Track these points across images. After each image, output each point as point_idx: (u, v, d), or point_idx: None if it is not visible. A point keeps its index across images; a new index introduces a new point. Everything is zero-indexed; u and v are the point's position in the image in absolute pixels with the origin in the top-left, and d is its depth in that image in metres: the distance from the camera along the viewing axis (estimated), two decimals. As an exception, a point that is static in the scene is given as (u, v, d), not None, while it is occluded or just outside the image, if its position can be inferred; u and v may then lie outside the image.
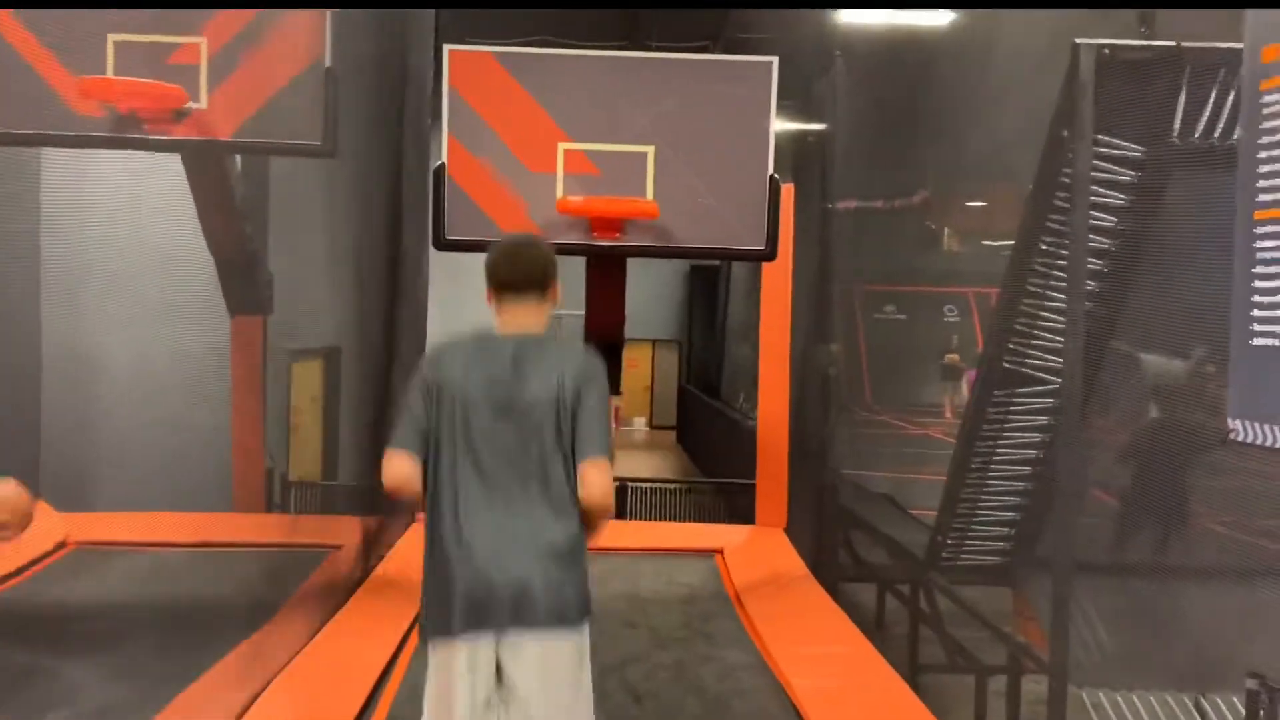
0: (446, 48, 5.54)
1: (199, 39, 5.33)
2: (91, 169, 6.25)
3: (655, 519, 9.99)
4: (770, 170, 5.49)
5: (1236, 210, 2.31)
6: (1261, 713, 3.31)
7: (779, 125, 5.68)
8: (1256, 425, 2.27)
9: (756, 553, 6.57)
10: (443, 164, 5.50)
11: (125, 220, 6.60)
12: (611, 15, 12.57)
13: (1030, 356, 5.15)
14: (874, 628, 6.63)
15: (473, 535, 2.82)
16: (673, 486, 10.55)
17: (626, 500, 9.91)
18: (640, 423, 23.99)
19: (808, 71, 7.80)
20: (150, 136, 5.37)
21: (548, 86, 5.49)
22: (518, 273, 2.99)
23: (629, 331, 6.36)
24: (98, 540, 6.31)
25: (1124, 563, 5.06)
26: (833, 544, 7.51)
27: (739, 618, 5.35)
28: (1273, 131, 2.22)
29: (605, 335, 5.76)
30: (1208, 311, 3.81)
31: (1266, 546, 3.69)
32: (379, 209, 6.72)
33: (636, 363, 23.11)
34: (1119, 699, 4.53)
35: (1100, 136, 4.41)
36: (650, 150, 5.48)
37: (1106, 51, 4.25)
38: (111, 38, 5.26)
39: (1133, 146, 4.50)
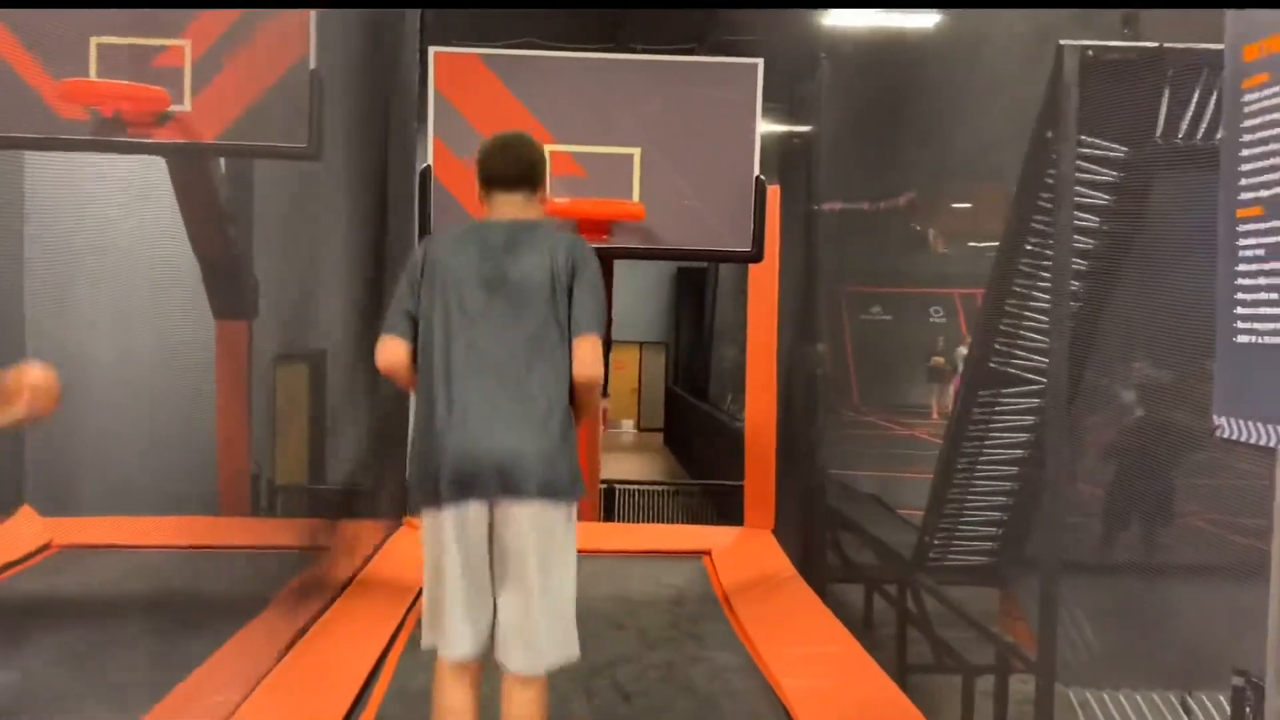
0: (431, 50, 5.53)
1: (183, 41, 5.31)
2: (75, 171, 6.22)
3: (643, 521, 10.00)
4: (756, 172, 5.50)
5: (1220, 208, 2.33)
6: (1247, 709, 3.33)
7: (765, 127, 5.69)
8: (1241, 422, 2.28)
9: (745, 554, 6.57)
10: (428, 166, 5.49)
11: (109, 222, 6.56)
12: (597, 17, 12.57)
13: (1016, 357, 5.18)
14: (862, 628, 6.64)
15: (464, 405, 2.84)
16: (660, 488, 10.56)
17: (614, 502, 9.91)
18: (628, 425, 24.00)
19: (793, 73, 7.83)
20: (134, 140, 5.34)
21: (533, 88, 5.49)
22: (509, 165, 3.02)
23: (616, 333, 6.35)
24: (81, 543, 6.27)
25: (1110, 562, 5.09)
26: (821, 545, 7.53)
27: (728, 619, 5.35)
28: (1254, 130, 2.23)
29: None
30: (1190, 310, 3.84)
31: (1252, 545, 3.70)
32: (364, 212, 6.70)
33: (624, 365, 23.12)
34: (1105, 698, 4.54)
35: (1084, 137, 4.44)
36: (636, 152, 5.48)
37: (1090, 53, 4.28)
38: (94, 40, 5.24)
39: (1116, 147, 4.52)
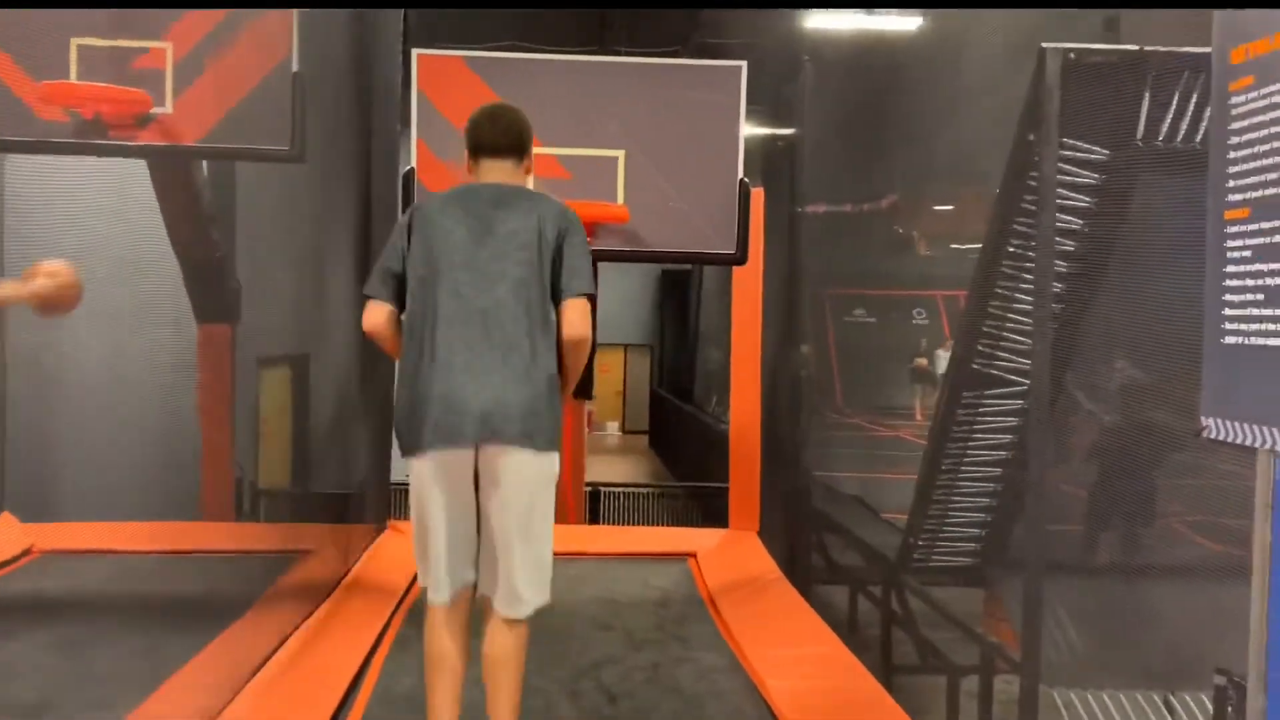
0: (415, 52, 5.53)
1: (164, 43, 5.27)
2: (56, 173, 6.17)
3: (628, 523, 10.00)
4: (740, 174, 5.51)
5: (1208, 210, 2.34)
6: (1229, 708, 3.35)
7: (749, 130, 5.70)
8: (1229, 423, 2.29)
9: (730, 556, 6.57)
10: (412, 169, 5.48)
11: (90, 225, 6.51)
12: (581, 19, 12.58)
13: (999, 358, 5.20)
14: (847, 629, 6.65)
15: (449, 352, 2.86)
16: (645, 491, 10.57)
17: (599, 505, 9.90)
18: (613, 427, 23.99)
19: (777, 76, 7.84)
20: (115, 142, 5.30)
21: (517, 91, 5.46)
22: (499, 133, 3.09)
23: (601, 336, 6.35)
24: (63, 549, 6.23)
25: (1093, 563, 5.11)
26: (806, 546, 7.54)
27: (713, 620, 5.35)
28: (1241, 132, 2.25)
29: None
30: (1173, 312, 3.87)
31: (1232, 548, 3.73)
32: (348, 214, 6.68)
33: (609, 367, 23.12)
34: (1089, 698, 4.57)
35: (1066, 140, 4.46)
36: (620, 155, 5.48)
37: (1072, 56, 4.30)
38: (75, 41, 5.20)
39: (1098, 149, 4.55)
